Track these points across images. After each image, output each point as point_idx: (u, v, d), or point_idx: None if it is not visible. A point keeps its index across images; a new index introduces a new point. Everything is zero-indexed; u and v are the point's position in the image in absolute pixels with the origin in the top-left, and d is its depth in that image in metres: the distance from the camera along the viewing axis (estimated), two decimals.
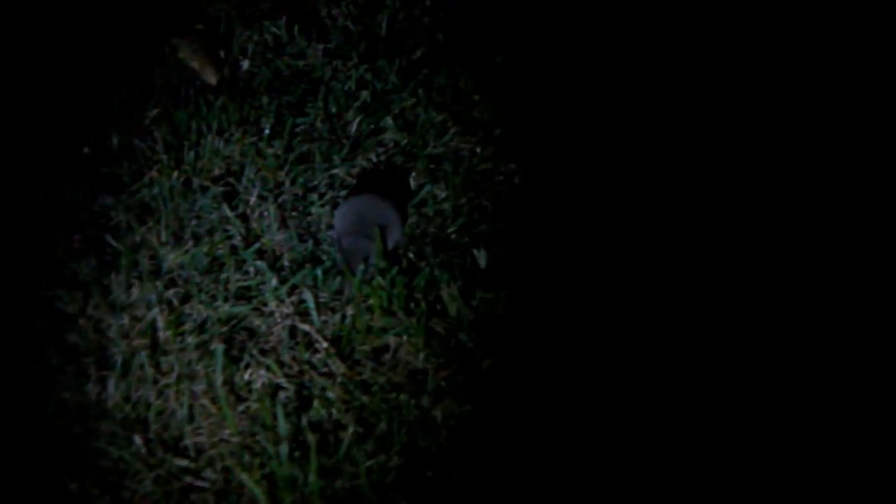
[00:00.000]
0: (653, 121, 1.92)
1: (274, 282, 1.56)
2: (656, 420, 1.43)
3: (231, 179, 1.75)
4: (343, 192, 1.74)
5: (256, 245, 1.63)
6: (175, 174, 1.73)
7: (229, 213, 1.67)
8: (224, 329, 1.50)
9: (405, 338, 1.50)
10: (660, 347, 1.52)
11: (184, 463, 1.35)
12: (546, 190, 1.78)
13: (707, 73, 2.03)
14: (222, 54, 2.02)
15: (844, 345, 1.54)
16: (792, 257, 1.68)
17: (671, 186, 1.79)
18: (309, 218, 1.70)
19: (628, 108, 1.96)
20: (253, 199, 1.71)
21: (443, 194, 1.76)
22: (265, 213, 1.69)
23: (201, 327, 1.50)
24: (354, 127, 1.87)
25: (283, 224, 1.67)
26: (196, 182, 1.73)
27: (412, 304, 1.54)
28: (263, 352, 1.48)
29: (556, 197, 1.76)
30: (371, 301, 1.52)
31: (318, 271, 1.57)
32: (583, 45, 2.12)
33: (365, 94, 1.93)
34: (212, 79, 1.95)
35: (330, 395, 1.42)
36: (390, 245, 1.59)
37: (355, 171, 1.79)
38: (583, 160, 1.84)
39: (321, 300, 1.55)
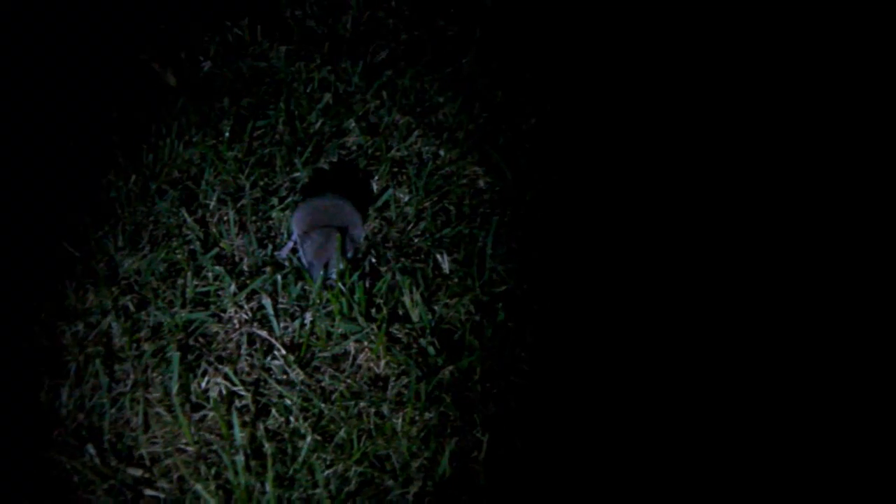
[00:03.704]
0: (623, 120, 1.92)
1: (232, 287, 1.54)
2: (632, 424, 1.43)
3: (190, 183, 1.72)
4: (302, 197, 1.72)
5: (215, 250, 1.60)
6: (133, 177, 1.70)
7: (188, 217, 1.64)
8: (181, 336, 1.47)
9: (365, 344, 1.48)
10: (633, 351, 1.52)
11: (138, 473, 1.33)
12: (511, 193, 1.77)
13: (685, 65, 2.04)
14: (183, 55, 1.99)
15: (844, 344, 1.55)
16: (790, 258, 1.68)
17: (645, 187, 1.78)
18: (269, 222, 1.67)
19: (598, 108, 1.95)
20: (212, 203, 1.68)
21: (406, 198, 1.74)
22: (224, 218, 1.66)
23: (157, 334, 1.48)
24: (316, 129, 1.85)
25: (243, 228, 1.65)
26: (154, 185, 1.70)
27: (373, 310, 1.52)
28: (221, 359, 1.46)
29: (522, 200, 1.75)
30: (331, 307, 1.50)
31: (278, 276, 1.55)
32: (549, 44, 2.11)
33: (328, 96, 1.91)
34: (171, 80, 1.92)
35: (288, 402, 1.40)
36: (350, 248, 1.57)
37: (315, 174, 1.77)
38: (549, 162, 1.83)
39: (280, 306, 1.53)
